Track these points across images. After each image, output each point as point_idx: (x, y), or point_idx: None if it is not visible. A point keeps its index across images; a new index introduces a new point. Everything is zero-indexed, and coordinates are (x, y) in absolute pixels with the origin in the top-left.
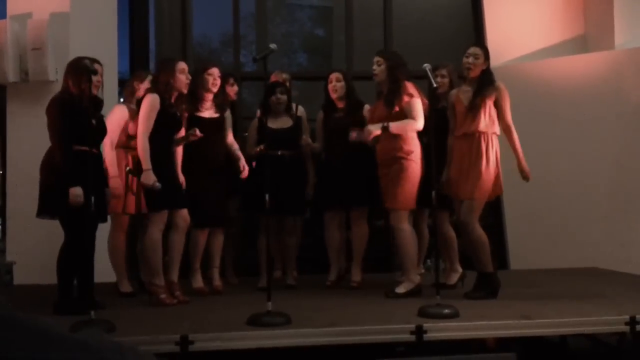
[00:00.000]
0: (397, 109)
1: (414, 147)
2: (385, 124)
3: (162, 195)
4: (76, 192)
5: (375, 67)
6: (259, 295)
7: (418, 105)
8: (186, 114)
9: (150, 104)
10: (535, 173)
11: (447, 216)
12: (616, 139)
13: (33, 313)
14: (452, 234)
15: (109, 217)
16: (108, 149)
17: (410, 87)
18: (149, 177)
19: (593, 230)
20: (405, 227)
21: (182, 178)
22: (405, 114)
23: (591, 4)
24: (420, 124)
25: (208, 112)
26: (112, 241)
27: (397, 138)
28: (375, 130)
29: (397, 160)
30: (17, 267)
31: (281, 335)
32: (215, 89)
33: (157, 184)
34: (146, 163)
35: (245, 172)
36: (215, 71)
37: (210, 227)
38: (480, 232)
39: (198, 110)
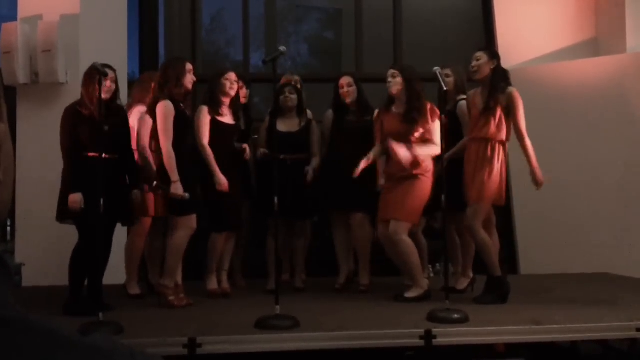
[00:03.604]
0: (420, 130)
1: (429, 164)
2: (413, 150)
3: (188, 200)
4: (74, 198)
5: (390, 79)
6: (267, 298)
7: (436, 131)
8: (209, 118)
9: (165, 110)
10: (546, 177)
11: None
12: (627, 142)
13: (44, 315)
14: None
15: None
16: (149, 152)
17: (432, 107)
18: (178, 188)
19: (604, 235)
20: (405, 239)
21: (224, 181)
22: (428, 132)
23: (603, 7)
24: (439, 149)
25: (227, 117)
26: (131, 243)
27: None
28: (409, 157)
29: (414, 176)
30: (26, 268)
31: (289, 339)
32: (233, 93)
33: (186, 195)
34: (174, 174)
35: (247, 153)
36: (232, 76)
37: (230, 231)
38: (483, 236)
39: (220, 114)
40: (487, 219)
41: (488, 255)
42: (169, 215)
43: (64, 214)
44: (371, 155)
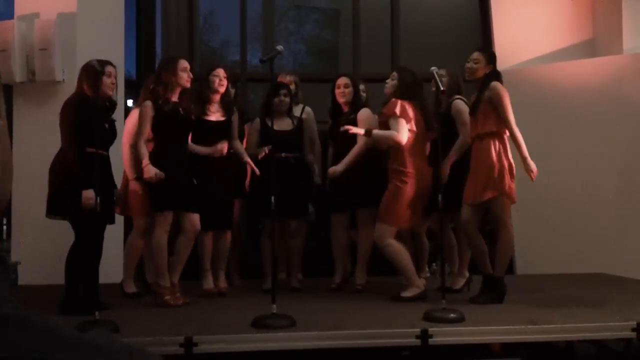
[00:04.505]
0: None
1: (409, 168)
2: (369, 129)
3: (166, 196)
4: (89, 194)
5: (389, 81)
6: (263, 298)
7: (399, 123)
8: (193, 117)
9: (141, 110)
10: (542, 177)
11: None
12: (624, 143)
13: (43, 313)
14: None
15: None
16: (127, 151)
17: (395, 105)
18: (149, 171)
19: (600, 235)
20: (389, 242)
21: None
22: (390, 126)
23: (600, 8)
24: (401, 138)
25: (215, 115)
26: (132, 241)
27: (395, 157)
28: (358, 130)
29: (394, 178)
30: (22, 267)
31: (285, 338)
32: (221, 89)
33: (160, 173)
34: (145, 160)
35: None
36: (220, 72)
37: (214, 229)
38: (509, 234)
39: (205, 113)
40: (478, 219)
41: (506, 255)
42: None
43: (53, 209)
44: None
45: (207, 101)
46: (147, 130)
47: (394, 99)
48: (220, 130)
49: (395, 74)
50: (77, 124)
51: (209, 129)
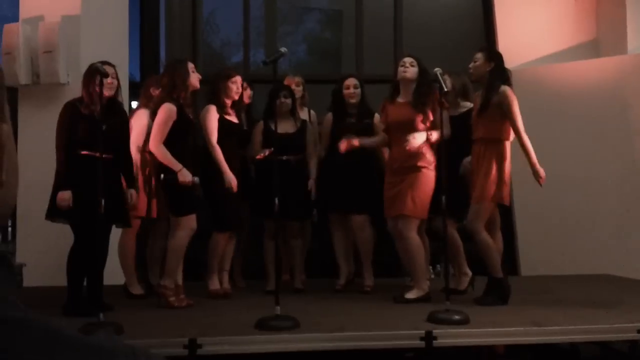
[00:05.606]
0: (429, 115)
1: (433, 158)
2: (430, 133)
3: (189, 199)
4: (63, 196)
5: (408, 66)
6: (267, 299)
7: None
8: (218, 117)
9: (167, 114)
10: (546, 177)
11: (452, 221)
12: (628, 144)
13: (45, 315)
14: (457, 239)
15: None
16: (134, 153)
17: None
18: (186, 175)
19: (605, 237)
20: (414, 236)
21: (234, 180)
22: (434, 121)
23: (604, 8)
24: (438, 135)
25: (232, 117)
26: (123, 243)
27: (419, 147)
28: (421, 140)
29: (417, 168)
30: (27, 269)
31: (289, 340)
32: (237, 97)
33: (195, 179)
34: (175, 165)
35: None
36: (239, 79)
37: (232, 230)
38: (484, 237)
39: (227, 113)
40: (492, 220)
41: (489, 257)
42: (170, 215)
43: (53, 212)
44: (368, 141)
45: (225, 104)
46: (167, 133)
47: (436, 91)
48: (238, 132)
49: (413, 60)
50: (64, 127)
51: (231, 129)
